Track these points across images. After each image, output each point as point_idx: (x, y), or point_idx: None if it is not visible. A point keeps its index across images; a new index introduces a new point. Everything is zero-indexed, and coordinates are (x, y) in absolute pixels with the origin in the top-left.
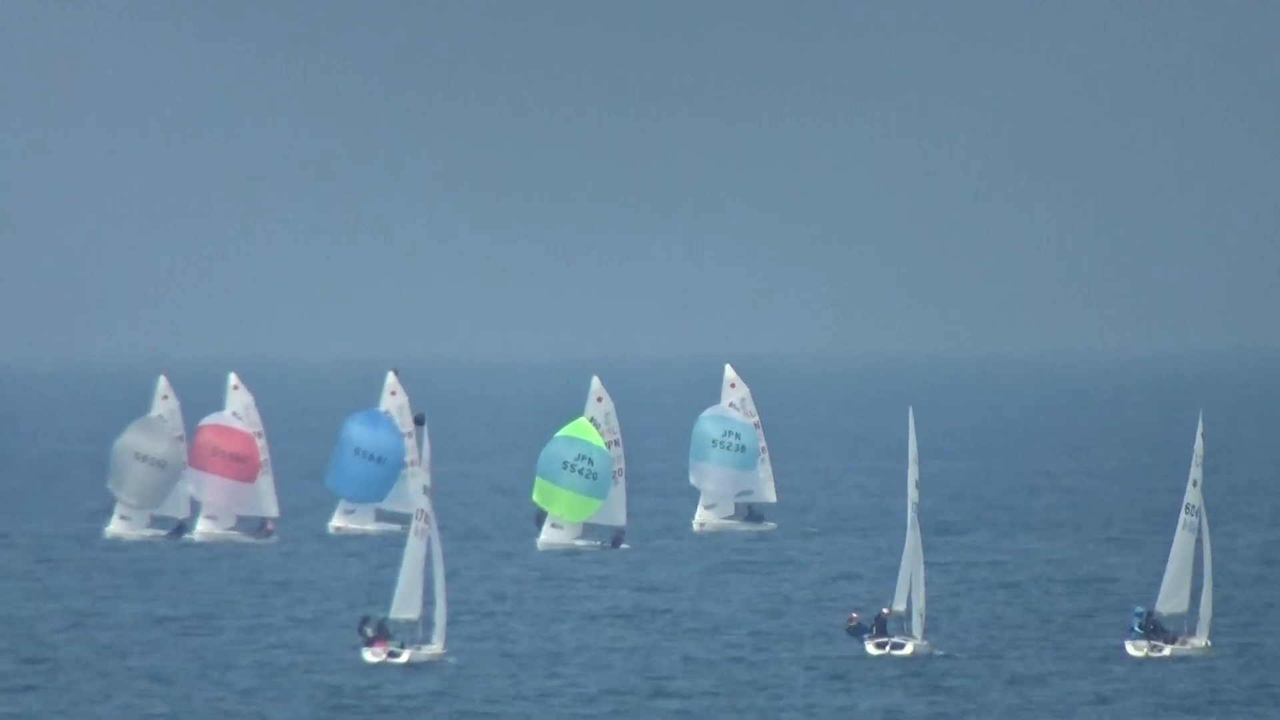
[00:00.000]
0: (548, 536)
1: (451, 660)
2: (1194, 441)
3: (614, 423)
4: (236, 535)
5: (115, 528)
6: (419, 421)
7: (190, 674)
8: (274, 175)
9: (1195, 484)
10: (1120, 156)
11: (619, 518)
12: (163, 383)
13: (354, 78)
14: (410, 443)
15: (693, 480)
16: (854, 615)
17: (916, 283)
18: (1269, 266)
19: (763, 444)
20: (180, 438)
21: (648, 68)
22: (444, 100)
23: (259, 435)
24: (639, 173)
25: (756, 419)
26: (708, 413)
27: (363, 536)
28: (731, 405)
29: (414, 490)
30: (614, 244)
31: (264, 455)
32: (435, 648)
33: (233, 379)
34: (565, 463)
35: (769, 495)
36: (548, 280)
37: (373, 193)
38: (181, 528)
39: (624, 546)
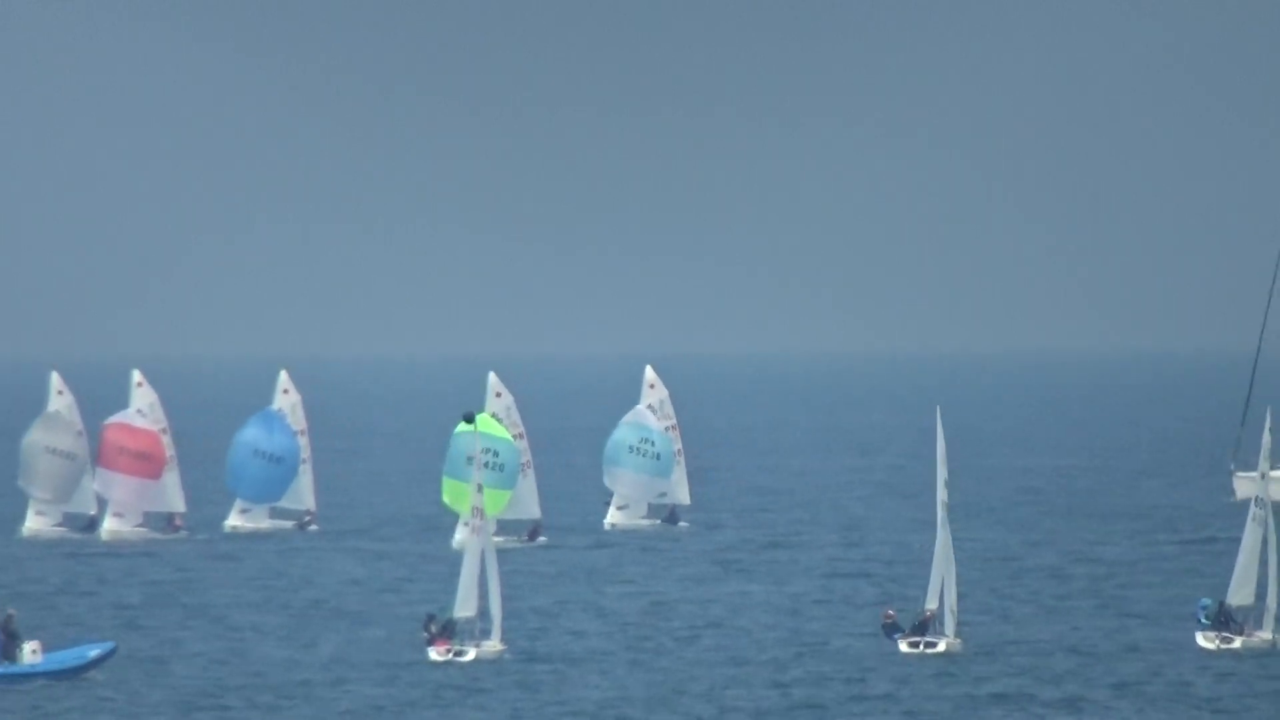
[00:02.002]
0: (463, 534)
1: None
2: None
3: (515, 416)
4: (144, 532)
5: (32, 524)
6: (468, 420)
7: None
8: (267, 174)
9: (1263, 477)
10: (1121, 156)
11: (533, 510)
12: (55, 378)
13: (346, 77)
14: (305, 440)
15: (606, 482)
16: (890, 613)
17: (915, 283)
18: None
19: (678, 447)
20: (80, 432)
21: (645, 68)
22: (428, 100)
23: (164, 432)
24: (638, 173)
25: (674, 421)
26: (625, 419)
27: (259, 535)
28: (650, 407)
29: (305, 487)
30: (613, 244)
31: (170, 452)
32: (495, 644)
33: (136, 376)
34: (470, 458)
35: (683, 497)
36: (550, 279)
37: (350, 191)
38: (93, 523)
39: (542, 540)
